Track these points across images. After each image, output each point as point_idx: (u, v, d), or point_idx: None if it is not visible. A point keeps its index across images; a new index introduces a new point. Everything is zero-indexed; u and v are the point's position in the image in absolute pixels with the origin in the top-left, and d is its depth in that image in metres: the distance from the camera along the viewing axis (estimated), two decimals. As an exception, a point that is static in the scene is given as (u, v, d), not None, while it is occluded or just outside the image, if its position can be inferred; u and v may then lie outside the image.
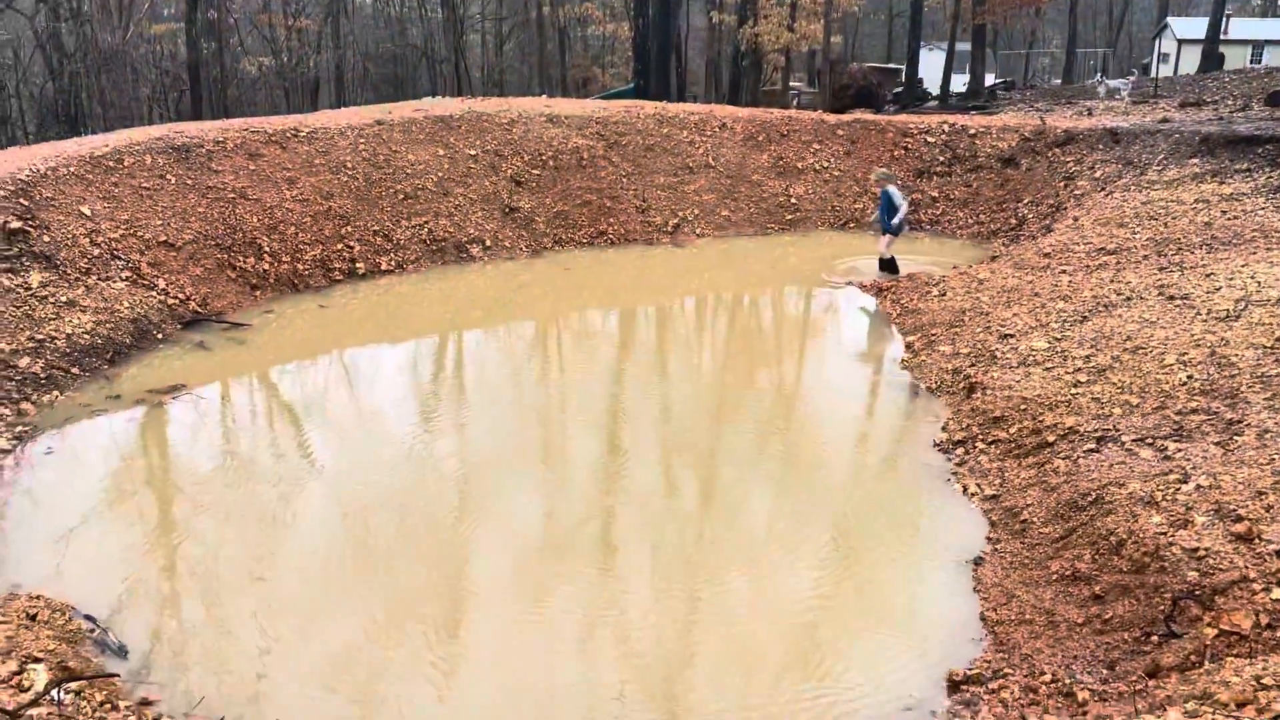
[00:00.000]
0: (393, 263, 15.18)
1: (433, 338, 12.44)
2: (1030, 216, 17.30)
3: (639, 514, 7.43)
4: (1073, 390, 8.17)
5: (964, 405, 8.93)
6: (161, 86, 40.06)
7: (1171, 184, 14.90)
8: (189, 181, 13.85)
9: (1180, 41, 45.88)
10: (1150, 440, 6.92)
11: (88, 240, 11.82)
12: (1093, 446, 7.11)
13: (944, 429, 8.68)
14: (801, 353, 12.01)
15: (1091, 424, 7.45)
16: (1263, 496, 5.69)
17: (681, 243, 17.69)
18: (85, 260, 11.55)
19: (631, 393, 10.31)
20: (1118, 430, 7.22)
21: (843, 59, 42.98)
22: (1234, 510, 5.62)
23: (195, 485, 7.88)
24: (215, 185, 14.05)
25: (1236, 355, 7.91)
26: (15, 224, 11.11)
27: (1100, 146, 17.66)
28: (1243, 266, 10.30)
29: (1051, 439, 7.50)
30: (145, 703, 5.03)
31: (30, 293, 10.55)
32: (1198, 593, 5.11)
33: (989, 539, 6.78)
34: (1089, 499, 6.44)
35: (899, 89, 35.11)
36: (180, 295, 12.29)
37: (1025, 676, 5.14)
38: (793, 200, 19.10)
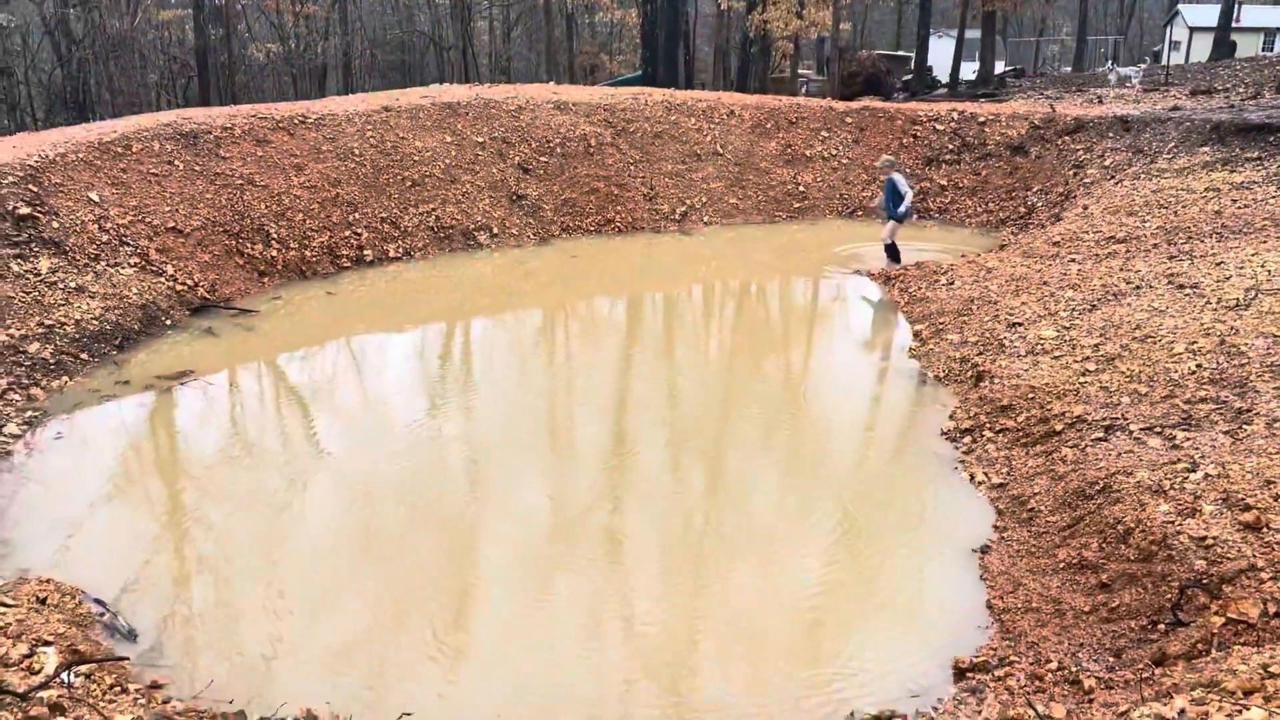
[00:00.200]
0: (400, 250, 15.19)
1: (440, 325, 12.45)
2: (1039, 205, 17.23)
3: (646, 502, 7.44)
4: (1081, 379, 8.15)
5: (972, 394, 8.91)
6: (169, 73, 40.06)
7: (1182, 172, 14.82)
8: (197, 168, 13.86)
9: (1191, 29, 45.53)
10: (1159, 429, 6.90)
11: (96, 226, 11.84)
12: (1101, 435, 7.09)
13: (951, 417, 8.67)
14: (809, 341, 11.99)
15: (1100, 413, 7.43)
16: (1271, 486, 5.67)
17: (689, 230, 17.66)
18: (94, 246, 11.58)
19: (638, 381, 10.31)
20: (1126, 419, 7.21)
21: (851, 46, 42.80)
22: (1242, 499, 5.60)
23: (203, 471, 7.91)
24: (223, 172, 14.06)
25: (1246, 344, 7.87)
26: (24, 210, 11.13)
27: (1110, 134, 17.57)
28: (1253, 255, 10.24)
29: (1059, 428, 7.49)
30: (155, 686, 5.06)
31: (40, 279, 10.58)
32: (1205, 581, 5.11)
33: (996, 527, 6.77)
34: (1097, 487, 6.43)
35: (908, 76, 34.92)
36: (188, 281, 12.32)
37: (1031, 664, 5.15)
38: (801, 188, 19.04)
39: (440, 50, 47.84)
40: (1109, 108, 20.27)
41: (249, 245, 13.56)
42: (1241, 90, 22.38)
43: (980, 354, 9.57)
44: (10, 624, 5.00)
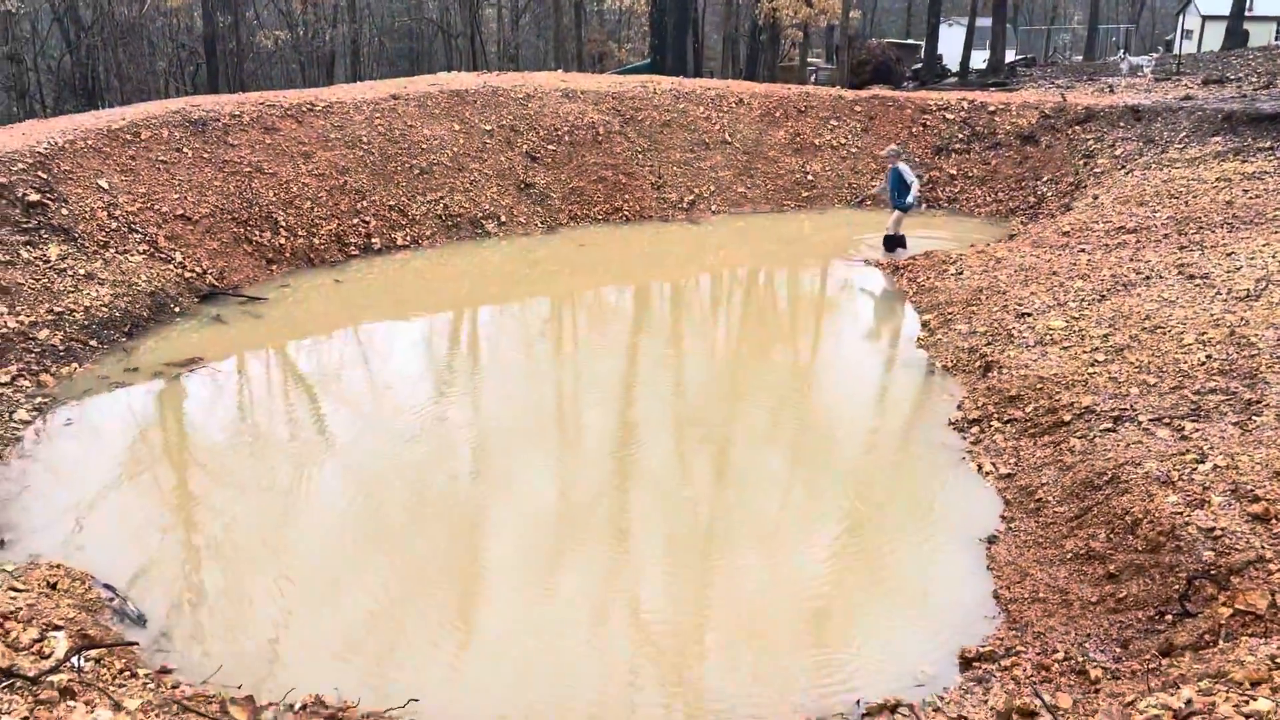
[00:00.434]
0: (408, 238, 15.19)
1: (448, 313, 12.46)
2: (1049, 194, 17.16)
3: (653, 490, 7.46)
4: (1090, 369, 8.12)
5: (980, 384, 8.90)
6: (178, 60, 40.04)
7: (1193, 162, 14.74)
8: (205, 155, 13.87)
9: (1204, 18, 45.22)
10: (1167, 420, 6.88)
11: (105, 213, 11.87)
12: (1109, 426, 7.08)
13: (959, 408, 8.65)
14: (817, 330, 11.98)
15: (1108, 403, 7.41)
16: (1280, 477, 5.66)
17: (697, 219, 17.63)
18: (103, 233, 11.61)
19: (646, 370, 10.31)
20: (1135, 410, 7.19)
21: (861, 35, 42.58)
22: (1251, 490, 5.59)
23: (212, 457, 7.94)
24: (231, 159, 14.07)
25: (1256, 335, 7.84)
26: (34, 197, 11.16)
27: (1121, 124, 17.47)
28: (1264, 246, 10.20)
29: (1068, 418, 7.47)
30: (164, 670, 5.09)
31: (49, 265, 10.61)
32: (1213, 572, 5.10)
33: (1003, 517, 6.77)
34: (1105, 478, 6.41)
35: (918, 65, 34.75)
36: (197, 269, 12.34)
37: (1038, 654, 5.15)
38: (809, 177, 18.98)
39: (448, 38, 47.72)
40: (1120, 97, 20.16)
41: (257, 233, 13.58)
42: (1254, 80, 22.23)
43: (989, 344, 9.55)
44: (21, 608, 5.03)
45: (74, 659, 4.57)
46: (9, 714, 3.84)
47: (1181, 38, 44.10)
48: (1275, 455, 5.93)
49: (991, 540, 6.50)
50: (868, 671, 5.27)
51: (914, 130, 19.66)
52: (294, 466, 7.75)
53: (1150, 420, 6.95)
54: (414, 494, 7.27)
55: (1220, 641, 4.61)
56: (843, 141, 19.59)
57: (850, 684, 5.17)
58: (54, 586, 5.62)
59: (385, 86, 18.29)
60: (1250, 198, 12.34)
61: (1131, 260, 10.91)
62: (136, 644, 5.32)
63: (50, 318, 9.96)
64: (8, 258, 10.32)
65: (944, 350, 10.03)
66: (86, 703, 4.13)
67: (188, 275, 12.11)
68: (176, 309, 11.49)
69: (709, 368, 10.47)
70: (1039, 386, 8.16)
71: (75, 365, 9.61)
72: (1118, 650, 5.05)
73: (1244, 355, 7.55)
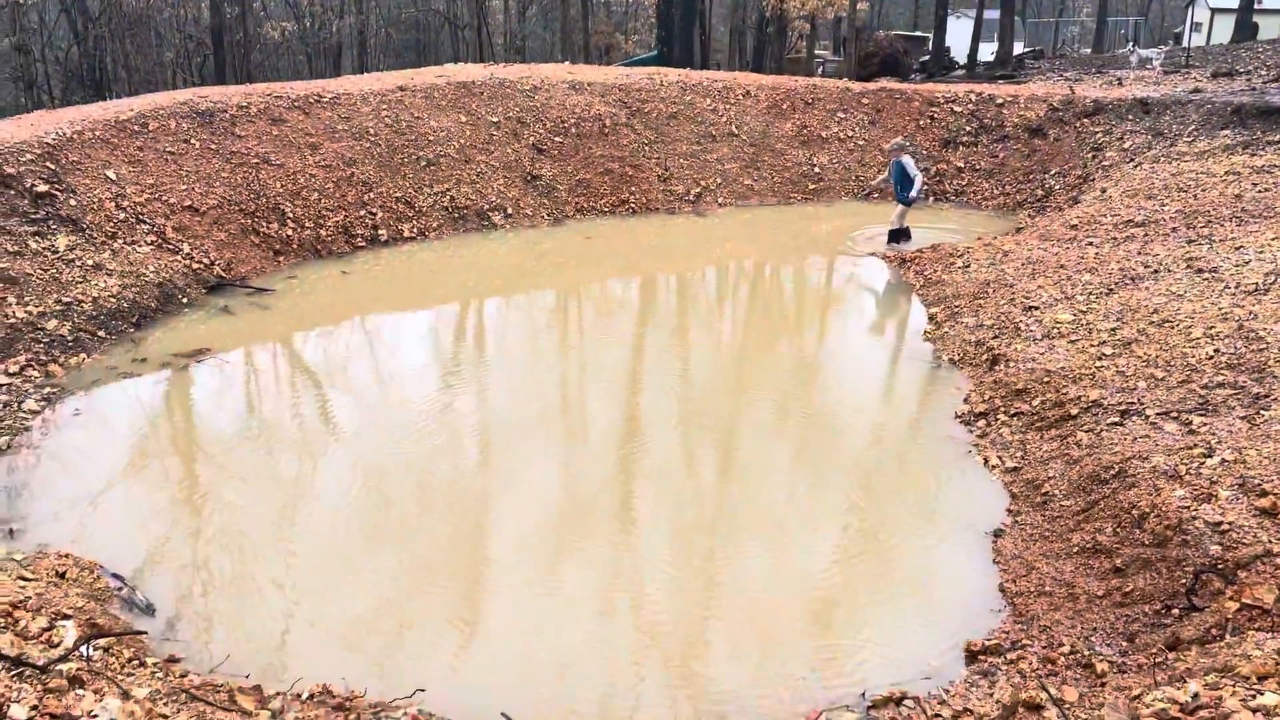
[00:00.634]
0: (415, 230, 15.19)
1: (454, 305, 12.47)
2: (1057, 187, 17.11)
3: (658, 483, 7.46)
4: (1097, 363, 8.11)
5: (986, 377, 8.88)
6: (185, 51, 40.07)
7: (1202, 155, 14.68)
8: (213, 146, 13.89)
9: (1213, 10, 45.02)
10: (1175, 414, 6.87)
11: (113, 204, 11.89)
12: (1116, 420, 7.06)
13: (966, 401, 8.64)
14: (823, 323, 11.97)
15: (1116, 397, 7.40)
16: (1288, 471, 5.64)
17: (703, 212, 17.61)
18: (111, 224, 11.63)
19: (651, 362, 10.31)
20: (1142, 404, 7.17)
21: (868, 26, 42.46)
22: (1259, 484, 5.57)
23: (219, 448, 7.97)
24: (239, 150, 14.08)
25: (1265, 329, 7.82)
26: (42, 187, 11.18)
27: (1130, 117, 17.40)
28: (1273, 239, 10.15)
29: (1075, 412, 7.46)
30: (172, 660, 5.12)
31: (57, 256, 10.63)
32: (1220, 566, 5.09)
33: (1009, 511, 6.76)
34: (1112, 472, 6.40)
35: (925, 57, 34.64)
36: (204, 260, 12.36)
37: (1044, 648, 5.15)
38: (816, 170, 18.95)
39: (455, 29, 47.68)
40: (1129, 90, 20.07)
41: (264, 224, 13.60)
42: (1263, 73, 22.10)
43: (995, 337, 9.53)
44: (30, 597, 5.05)
45: (83, 648, 4.59)
46: (18, 702, 3.86)
47: (1190, 30, 43.87)
48: (1283, 450, 5.91)
49: (998, 534, 6.49)
50: (873, 664, 5.28)
51: (921, 123, 19.60)
52: (301, 457, 7.78)
53: (1158, 414, 6.94)
54: (420, 485, 7.29)
55: (1227, 636, 4.60)
56: (850, 134, 19.55)
57: (856, 676, 5.18)
58: (63, 576, 5.64)
59: (392, 78, 18.28)
60: (1259, 191, 12.29)
61: (1139, 254, 10.87)
62: (145, 633, 5.35)
63: (58, 308, 9.99)
64: (16, 248, 10.35)
65: (951, 343, 10.02)
66: (95, 691, 4.15)
67: (195, 266, 12.13)
68: (184, 300, 11.51)
69: (715, 360, 10.47)
70: (1046, 380, 8.15)
71: (83, 356, 9.64)
72: (1124, 644, 5.04)
73: (1252, 349, 7.52)
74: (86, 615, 5.16)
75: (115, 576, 5.91)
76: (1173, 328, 8.34)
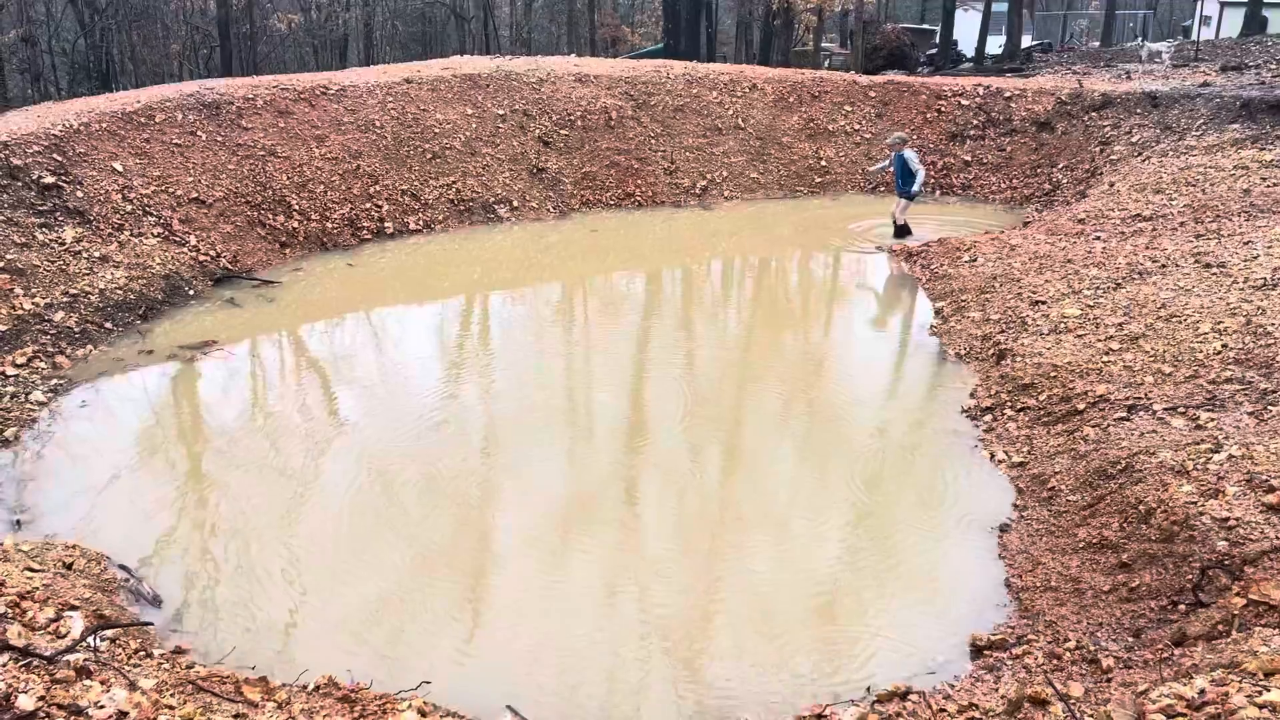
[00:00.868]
0: (421, 222, 15.19)
1: (460, 298, 12.48)
2: (1065, 181, 17.04)
3: (663, 476, 7.46)
4: (1104, 358, 8.08)
5: (993, 372, 8.86)
6: (192, 43, 40.03)
7: (1210, 149, 14.61)
8: (219, 138, 13.89)
9: (1222, 4, 44.74)
10: (1182, 409, 6.85)
11: (120, 196, 11.90)
12: (1123, 415, 7.04)
13: (972, 395, 8.62)
14: (829, 317, 11.95)
15: (1123, 392, 7.38)
16: (1296, 467, 5.62)
17: (709, 205, 17.58)
18: (118, 216, 11.64)
19: (657, 356, 10.31)
20: (1149, 399, 7.15)
21: (876, 19, 42.28)
22: (1266, 480, 5.56)
23: (225, 440, 7.98)
24: (245, 142, 14.08)
25: (1273, 325, 7.79)
26: (49, 179, 11.20)
27: (1138, 110, 17.32)
28: (1282, 234, 10.11)
29: (1081, 407, 7.44)
30: (178, 651, 5.13)
31: (64, 248, 10.65)
32: (1227, 562, 5.08)
33: (1015, 506, 6.75)
34: (1118, 467, 6.39)
35: (933, 50, 34.51)
36: (211, 252, 12.38)
37: (1049, 643, 5.14)
38: (823, 163, 18.90)
39: (461, 21, 47.60)
40: (1138, 83, 19.97)
41: (270, 216, 13.60)
42: (1273, 67, 21.98)
43: (1002, 332, 9.51)
44: (37, 588, 5.07)
45: (90, 639, 4.61)
46: (26, 692, 3.87)
47: (1199, 24, 43.64)
48: (1291, 445, 5.89)
49: (1003, 529, 6.49)
50: (878, 658, 5.28)
51: (929, 116, 19.54)
52: (307, 449, 7.79)
53: (1165, 409, 6.92)
54: (426, 477, 7.30)
55: (1234, 632, 4.59)
56: (856, 127, 19.49)
57: (861, 671, 5.18)
58: (70, 567, 5.66)
59: (398, 70, 18.26)
60: (1268, 185, 12.24)
61: (1147, 248, 10.84)
62: (151, 624, 5.37)
63: (65, 300, 10.01)
64: (24, 240, 10.37)
65: (957, 337, 10.00)
66: (102, 682, 4.16)
67: (201, 258, 12.15)
68: (190, 292, 11.53)
69: (720, 353, 10.46)
70: (1053, 374, 8.13)
71: (90, 347, 9.66)
72: (1130, 639, 5.04)
73: (1260, 344, 7.50)
74: (93, 606, 5.18)
75: (122, 567, 5.93)
76: (1180, 323, 8.32)
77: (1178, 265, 9.93)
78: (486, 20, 43.32)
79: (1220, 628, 4.69)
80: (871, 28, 34.06)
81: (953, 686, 4.89)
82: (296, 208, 13.96)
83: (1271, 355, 7.28)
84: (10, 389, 8.47)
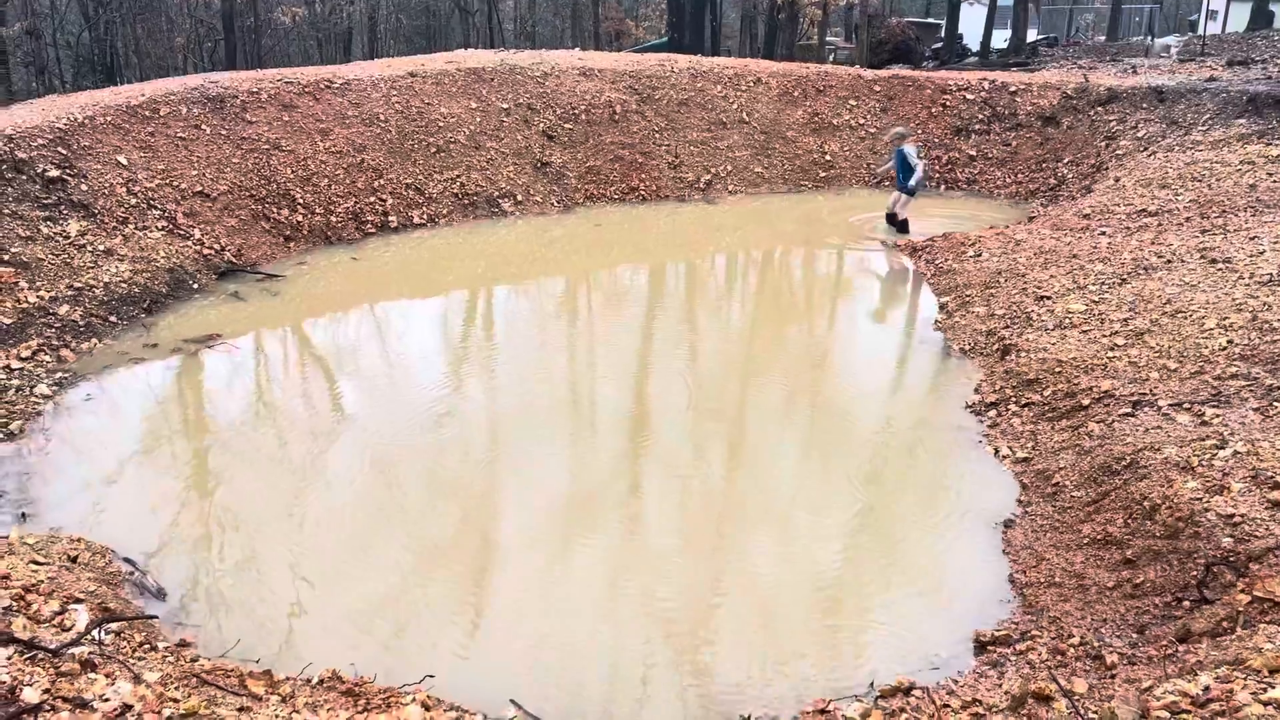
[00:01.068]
0: (425, 216, 15.19)
1: (464, 292, 12.47)
2: (1070, 176, 17.01)
3: (667, 472, 7.46)
4: (1109, 353, 8.07)
5: (997, 367, 8.85)
6: (196, 36, 40.03)
7: (1217, 144, 14.57)
8: (224, 132, 13.89)
9: (1229, -2, 44.57)
10: (1188, 405, 6.83)
11: (125, 190, 11.91)
12: (1128, 410, 7.03)
13: (976, 391, 8.61)
14: (833, 312, 11.94)
15: (1128, 388, 7.36)
16: (1302, 464, 5.61)
17: (713, 199, 17.56)
18: (122, 209, 11.65)
19: (661, 350, 10.30)
20: (1154, 395, 7.13)
21: (881, 13, 42.16)
22: (1272, 477, 5.54)
23: (230, 433, 7.99)
24: (249, 136, 14.08)
25: (1279, 320, 7.76)
26: (54, 172, 11.20)
27: (1144, 105, 17.27)
28: (1288, 230, 10.08)
29: (1086, 402, 7.42)
30: (183, 644, 5.14)
31: (69, 241, 10.66)
32: (1232, 559, 5.07)
33: (1020, 501, 6.74)
34: (1123, 463, 6.38)
35: (938, 45, 34.43)
36: (215, 246, 12.38)
37: (1053, 639, 5.13)
38: (827, 157, 18.87)
39: (465, 15, 47.54)
40: (1143, 78, 19.91)
41: (275, 210, 13.61)
42: (1279, 61, 21.91)
43: (1007, 327, 9.50)
44: (42, 581, 5.08)
45: (95, 632, 4.62)
46: (31, 685, 3.88)
47: (1205, 18, 43.48)
48: (1297, 442, 5.87)
49: (1008, 524, 6.48)
50: (882, 654, 5.28)
51: (933, 110, 19.50)
52: (311, 443, 7.79)
53: (1170, 405, 6.90)
54: (430, 471, 7.30)
55: (1238, 629, 4.58)
56: (861, 121, 19.46)
57: (864, 666, 5.18)
58: (75, 560, 5.67)
59: (403, 64, 18.24)
60: (1274, 181, 12.20)
61: (1153, 244, 10.81)
62: (156, 617, 5.38)
63: (70, 293, 10.02)
64: (28, 233, 10.38)
65: (961, 332, 9.98)
66: (107, 675, 4.17)
67: (206, 252, 12.16)
68: (195, 286, 11.54)
69: (724, 348, 10.45)
70: (1057, 370, 8.12)
71: (95, 341, 9.67)
72: (1134, 636, 5.03)
73: (1266, 340, 7.48)
74: (98, 599, 5.19)
75: (127, 561, 5.94)
76: (1186, 318, 8.30)
77: (1183, 261, 9.90)
78: (491, 14, 43.28)
79: (1225, 624, 4.68)
80: (876, 22, 33.96)
81: (956, 682, 4.89)
82: (301, 201, 13.96)
83: (1277, 351, 7.26)
84: (15, 382, 8.49)
